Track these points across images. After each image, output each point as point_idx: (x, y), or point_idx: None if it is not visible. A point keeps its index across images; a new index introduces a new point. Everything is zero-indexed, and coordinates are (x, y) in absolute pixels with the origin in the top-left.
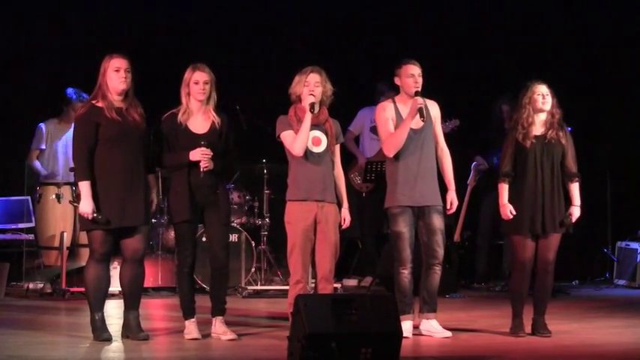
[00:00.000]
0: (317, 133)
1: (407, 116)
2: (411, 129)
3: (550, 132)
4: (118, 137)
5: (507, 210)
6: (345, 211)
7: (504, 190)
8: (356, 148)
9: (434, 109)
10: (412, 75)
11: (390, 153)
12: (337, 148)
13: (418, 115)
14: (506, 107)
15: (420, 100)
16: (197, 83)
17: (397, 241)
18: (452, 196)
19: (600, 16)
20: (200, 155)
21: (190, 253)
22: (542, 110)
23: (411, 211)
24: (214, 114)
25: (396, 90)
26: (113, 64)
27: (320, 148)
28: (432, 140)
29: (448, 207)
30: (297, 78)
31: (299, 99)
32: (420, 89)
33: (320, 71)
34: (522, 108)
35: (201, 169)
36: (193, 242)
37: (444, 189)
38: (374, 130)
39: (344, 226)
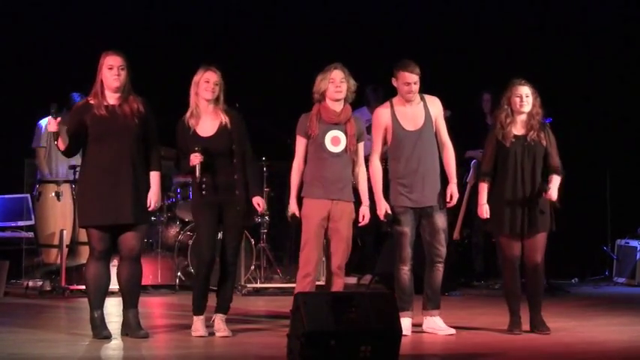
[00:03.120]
0: (336, 132)
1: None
2: (410, 130)
3: (531, 133)
4: (105, 135)
5: (484, 210)
6: (366, 209)
7: (484, 189)
8: None
9: (434, 106)
10: (408, 84)
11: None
12: (360, 146)
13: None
14: (487, 96)
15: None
16: (208, 82)
17: (398, 240)
18: (452, 188)
19: (600, 15)
20: (192, 158)
21: (209, 253)
22: (520, 112)
23: (413, 212)
24: (224, 114)
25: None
26: (107, 62)
27: (338, 148)
28: (433, 139)
29: (448, 199)
30: (320, 76)
31: (323, 97)
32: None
33: (343, 68)
34: (501, 107)
35: (196, 168)
36: (212, 243)
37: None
38: (368, 130)
39: (362, 223)
